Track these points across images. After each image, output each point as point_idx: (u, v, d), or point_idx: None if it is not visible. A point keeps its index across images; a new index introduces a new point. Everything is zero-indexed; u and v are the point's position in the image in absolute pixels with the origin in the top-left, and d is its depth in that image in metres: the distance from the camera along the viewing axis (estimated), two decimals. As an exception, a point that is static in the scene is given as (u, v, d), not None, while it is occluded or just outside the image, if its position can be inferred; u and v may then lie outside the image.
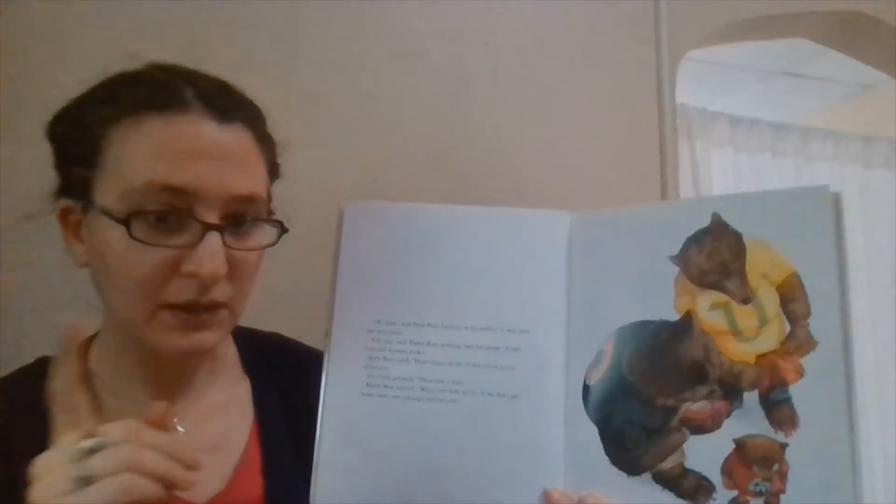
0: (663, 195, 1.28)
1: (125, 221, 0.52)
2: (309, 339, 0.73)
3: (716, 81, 2.75)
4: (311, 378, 0.61)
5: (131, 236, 0.52)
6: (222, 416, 0.64)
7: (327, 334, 0.61)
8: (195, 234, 0.53)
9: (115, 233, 0.52)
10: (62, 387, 0.45)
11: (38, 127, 0.59)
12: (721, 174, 2.48)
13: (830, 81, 2.85)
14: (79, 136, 0.55)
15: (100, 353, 0.62)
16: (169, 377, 0.62)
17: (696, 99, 2.36)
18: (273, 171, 0.62)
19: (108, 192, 0.53)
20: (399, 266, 0.61)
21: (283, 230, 0.59)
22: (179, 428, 0.61)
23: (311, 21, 1.04)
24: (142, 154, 0.53)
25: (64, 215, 0.58)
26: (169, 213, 0.53)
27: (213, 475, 0.60)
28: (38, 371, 0.56)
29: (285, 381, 0.67)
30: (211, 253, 0.53)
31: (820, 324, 0.52)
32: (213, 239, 0.53)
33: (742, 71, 2.73)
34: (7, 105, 0.89)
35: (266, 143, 0.60)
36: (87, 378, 0.45)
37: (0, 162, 0.87)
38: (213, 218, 0.54)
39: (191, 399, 0.63)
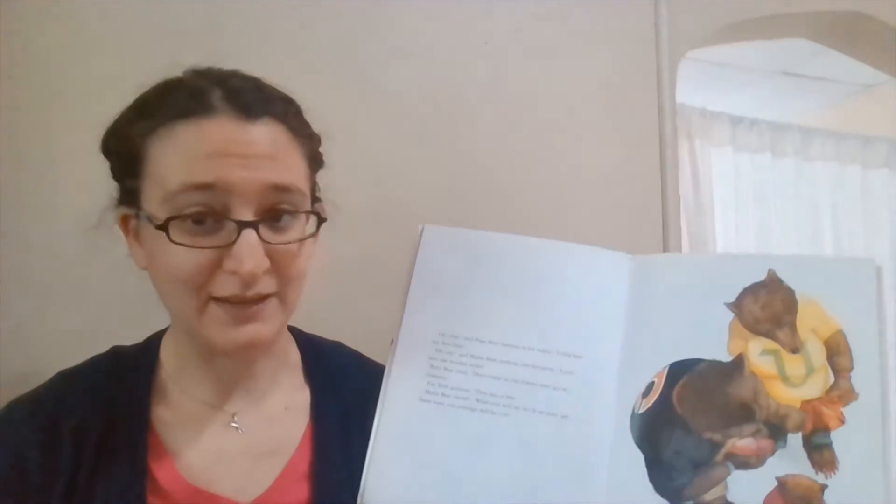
0: (663, 195, 1.28)
1: (164, 227, 0.54)
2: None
3: (716, 81, 2.75)
4: (370, 390, 0.62)
5: (170, 240, 0.54)
6: (281, 420, 0.65)
7: (392, 342, 0.63)
8: (231, 233, 0.54)
9: (159, 237, 0.54)
10: None
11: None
12: (721, 174, 2.49)
13: (830, 81, 2.85)
14: (125, 149, 0.58)
15: (169, 346, 0.65)
16: (229, 375, 0.63)
17: (696, 99, 2.37)
18: (315, 163, 0.64)
19: (151, 199, 0.56)
20: (467, 285, 0.65)
21: (321, 220, 0.61)
22: (238, 428, 0.63)
23: (310, 21, 1.04)
24: (174, 160, 0.55)
25: (124, 222, 0.61)
26: (206, 214, 0.54)
27: (264, 477, 0.61)
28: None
29: (345, 390, 0.68)
30: (248, 250, 0.54)
31: (861, 378, 0.56)
32: (249, 236, 0.54)
33: (742, 71, 2.73)
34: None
35: (303, 135, 0.62)
36: None
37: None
38: (248, 215, 0.55)
39: (252, 400, 0.64)
